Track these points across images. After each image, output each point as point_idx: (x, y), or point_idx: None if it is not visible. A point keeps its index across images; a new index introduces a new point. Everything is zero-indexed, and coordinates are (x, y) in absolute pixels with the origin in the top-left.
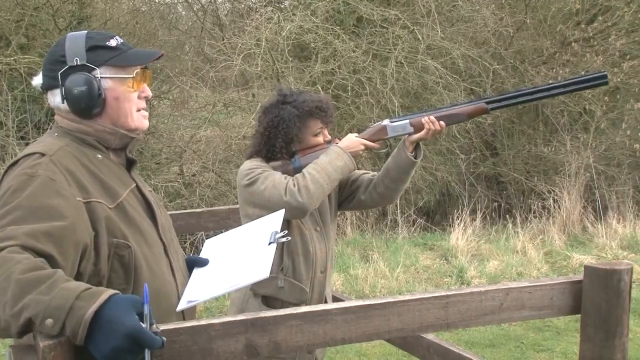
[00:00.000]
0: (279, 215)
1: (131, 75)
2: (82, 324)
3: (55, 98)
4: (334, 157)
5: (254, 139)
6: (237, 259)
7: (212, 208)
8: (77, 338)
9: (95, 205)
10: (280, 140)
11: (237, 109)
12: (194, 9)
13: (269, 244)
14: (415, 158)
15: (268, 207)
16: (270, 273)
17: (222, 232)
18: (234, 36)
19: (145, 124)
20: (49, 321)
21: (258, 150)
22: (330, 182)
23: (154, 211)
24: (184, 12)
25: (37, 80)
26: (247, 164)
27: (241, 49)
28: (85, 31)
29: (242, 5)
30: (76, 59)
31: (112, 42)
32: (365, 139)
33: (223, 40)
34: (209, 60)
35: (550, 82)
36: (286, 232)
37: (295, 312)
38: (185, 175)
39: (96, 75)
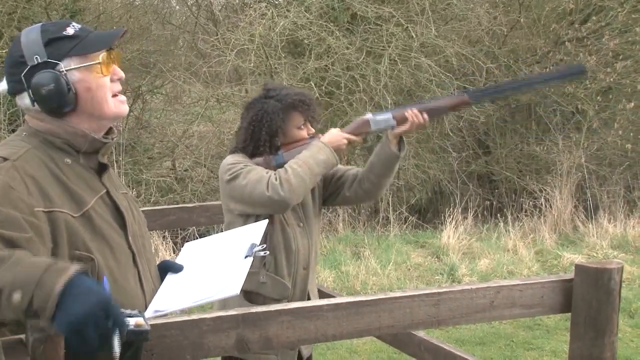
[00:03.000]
0: (261, 226)
1: (97, 61)
2: (52, 296)
3: (24, 101)
4: (315, 151)
5: (238, 136)
6: (210, 270)
7: (204, 203)
8: (46, 311)
9: (57, 215)
10: (264, 133)
11: (230, 104)
12: (188, 3)
13: (246, 257)
14: (399, 152)
15: (250, 203)
16: (252, 268)
17: (209, 234)
18: (228, 31)
19: (123, 109)
20: (17, 295)
21: (243, 147)
22: (312, 176)
23: (124, 218)
24: (177, 7)
25: (3, 86)
26: (230, 159)
27: (235, 45)
28: (40, 24)
29: (236, 1)
30: (36, 57)
31: (70, 31)
32: (348, 133)
33: (217, 35)
34: (203, 56)
35: (530, 74)
36: (265, 246)
37: (286, 307)
38: (177, 170)
39: (61, 70)
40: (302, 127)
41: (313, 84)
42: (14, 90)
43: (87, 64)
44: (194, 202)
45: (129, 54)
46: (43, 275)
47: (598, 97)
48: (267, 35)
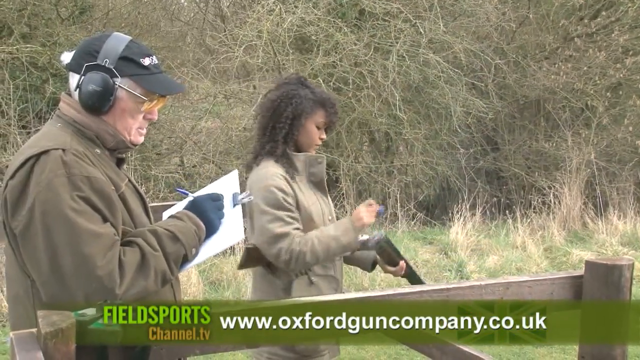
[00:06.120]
0: (233, 176)
1: (147, 99)
2: (204, 232)
3: (73, 81)
4: (341, 233)
5: (261, 110)
6: None
7: None
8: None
9: None
10: (289, 110)
11: (237, 100)
12: (196, 0)
13: (234, 206)
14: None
15: (262, 248)
16: (297, 275)
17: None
18: (236, 28)
19: (140, 139)
20: (194, 250)
21: (264, 129)
22: (327, 257)
23: (146, 204)
24: (186, 3)
25: (66, 57)
26: (270, 183)
27: (242, 41)
28: (130, 38)
29: None
30: (106, 60)
31: (146, 61)
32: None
33: (224, 31)
34: (210, 52)
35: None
36: (249, 192)
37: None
38: (185, 166)
39: (116, 83)
40: (320, 128)
41: (321, 80)
42: (72, 68)
43: (137, 94)
44: None
45: None
46: (195, 230)
47: (608, 93)
48: (275, 32)
